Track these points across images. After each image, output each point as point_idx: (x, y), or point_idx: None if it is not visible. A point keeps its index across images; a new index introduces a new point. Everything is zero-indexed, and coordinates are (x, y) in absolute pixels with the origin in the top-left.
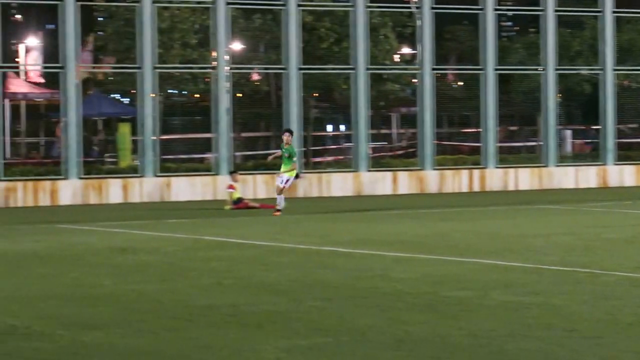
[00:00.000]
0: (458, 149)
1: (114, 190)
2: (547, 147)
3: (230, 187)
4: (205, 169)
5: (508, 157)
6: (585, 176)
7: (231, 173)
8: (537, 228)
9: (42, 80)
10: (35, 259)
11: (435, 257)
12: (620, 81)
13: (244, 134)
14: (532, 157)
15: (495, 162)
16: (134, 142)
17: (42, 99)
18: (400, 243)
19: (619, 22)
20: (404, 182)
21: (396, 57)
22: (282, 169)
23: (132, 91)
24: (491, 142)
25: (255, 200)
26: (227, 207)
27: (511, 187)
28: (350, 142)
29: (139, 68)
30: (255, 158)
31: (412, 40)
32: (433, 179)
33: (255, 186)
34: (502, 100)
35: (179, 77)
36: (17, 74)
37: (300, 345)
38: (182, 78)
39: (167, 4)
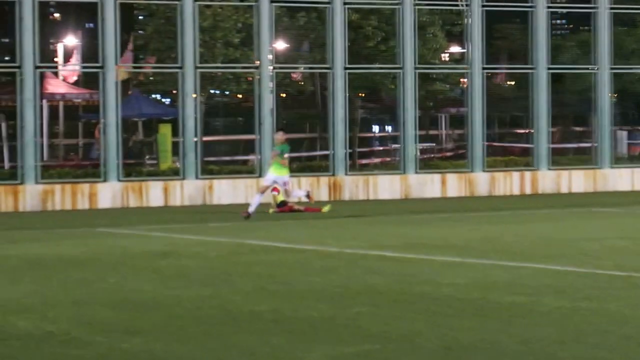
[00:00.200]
0: (509, 151)
1: (154, 193)
2: (601, 149)
3: (274, 189)
4: (248, 171)
5: (561, 159)
6: None
7: None
8: (591, 231)
9: (80, 81)
10: (74, 264)
11: (485, 261)
12: None
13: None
14: (586, 159)
15: (547, 163)
16: (175, 143)
17: (80, 100)
18: (449, 247)
19: None
20: (453, 185)
21: (445, 56)
22: (279, 171)
23: (173, 91)
24: (543, 143)
25: (299, 203)
26: (271, 210)
27: (564, 190)
28: (398, 144)
29: (180, 68)
30: (299, 160)
31: (461, 39)
32: (483, 182)
33: (300, 189)
34: (555, 100)
35: (221, 77)
36: (56, 74)
37: (346, 352)
38: (224, 78)
39: (209, 2)
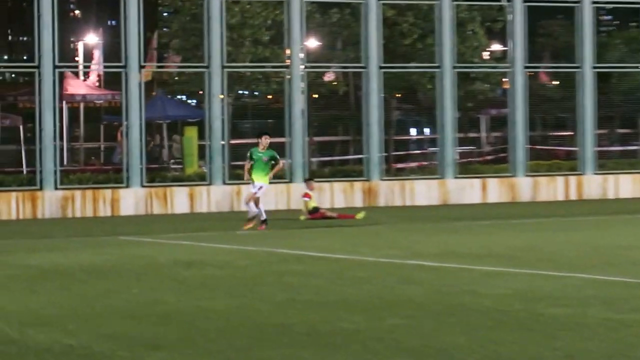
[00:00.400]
0: (553, 154)
1: (179, 199)
2: None
3: (306, 195)
4: (278, 176)
5: (607, 163)
6: None
7: (306, 180)
8: None
9: (102, 81)
10: (95, 274)
11: (528, 271)
12: None
13: (320, 138)
14: (634, 163)
15: (593, 167)
16: (201, 147)
17: (102, 101)
18: (490, 256)
19: None
20: (494, 190)
21: (485, 55)
22: (256, 176)
23: (199, 92)
24: (589, 146)
25: (332, 209)
26: (303, 217)
27: (611, 195)
28: (436, 147)
29: (206, 67)
30: (332, 164)
31: (502, 36)
32: (526, 187)
33: (333, 194)
34: (601, 101)
35: (249, 77)
36: (76, 74)
37: None
38: (253, 78)
39: None
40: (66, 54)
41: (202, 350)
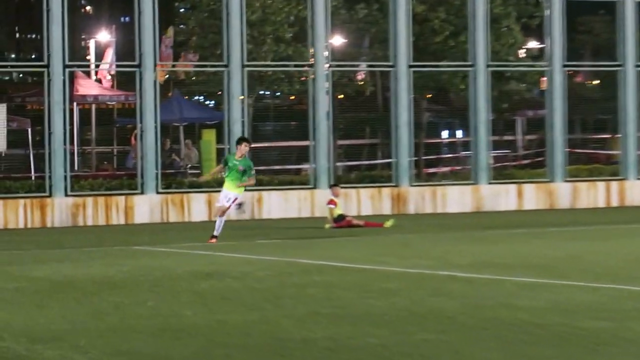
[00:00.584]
0: (593, 158)
1: (196, 207)
2: None
3: (331, 202)
4: (301, 181)
5: None
6: None
7: (331, 186)
8: None
9: (115, 81)
10: (107, 286)
11: (566, 282)
12: None
13: (345, 142)
14: None
15: (636, 173)
16: (220, 151)
17: (115, 103)
18: (527, 266)
19: None
20: (531, 196)
21: (521, 53)
22: (229, 186)
23: (218, 93)
24: (632, 149)
25: (359, 217)
26: (327, 225)
27: None
28: (469, 151)
29: (225, 66)
30: (359, 169)
31: (539, 33)
32: (564, 193)
33: (360, 201)
34: None
35: (271, 77)
36: (87, 73)
37: None
38: (275, 78)
39: None
40: (77, 52)
41: None
